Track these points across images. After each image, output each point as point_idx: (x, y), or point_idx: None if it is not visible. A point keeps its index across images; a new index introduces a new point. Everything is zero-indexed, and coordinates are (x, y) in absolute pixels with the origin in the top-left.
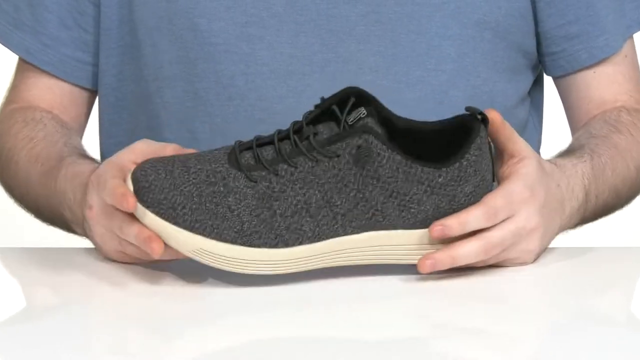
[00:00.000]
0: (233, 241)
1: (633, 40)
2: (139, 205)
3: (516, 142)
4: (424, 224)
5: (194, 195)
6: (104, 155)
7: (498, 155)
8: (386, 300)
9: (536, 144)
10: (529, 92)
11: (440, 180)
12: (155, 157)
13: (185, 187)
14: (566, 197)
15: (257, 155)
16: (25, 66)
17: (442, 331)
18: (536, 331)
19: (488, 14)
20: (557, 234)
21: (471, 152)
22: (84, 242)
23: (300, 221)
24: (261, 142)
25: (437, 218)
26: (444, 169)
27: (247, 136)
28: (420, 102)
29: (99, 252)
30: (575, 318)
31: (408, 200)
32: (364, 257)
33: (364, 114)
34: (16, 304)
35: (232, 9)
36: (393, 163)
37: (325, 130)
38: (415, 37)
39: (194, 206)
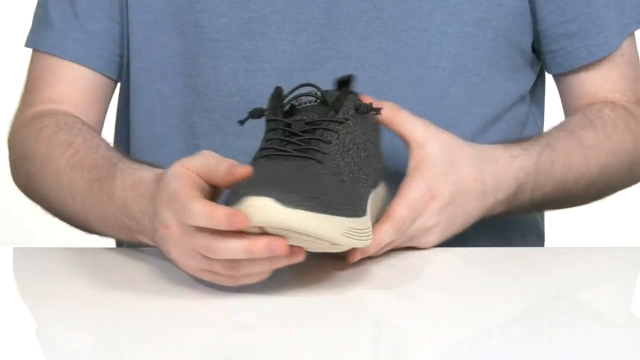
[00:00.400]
0: (358, 214)
1: (634, 39)
2: (283, 210)
3: (404, 127)
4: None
5: (307, 184)
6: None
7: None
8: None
9: None
10: (531, 88)
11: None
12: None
13: (295, 183)
14: (489, 189)
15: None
16: (42, 65)
17: (436, 328)
18: (535, 331)
19: (488, 11)
20: (474, 221)
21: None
22: (87, 243)
23: (359, 187)
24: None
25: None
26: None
27: (246, 132)
28: (421, 99)
29: (177, 266)
30: (575, 318)
31: (374, 151)
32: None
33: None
34: (25, 304)
35: (235, 4)
36: (363, 116)
37: (305, 115)
38: (416, 34)
39: (320, 190)
